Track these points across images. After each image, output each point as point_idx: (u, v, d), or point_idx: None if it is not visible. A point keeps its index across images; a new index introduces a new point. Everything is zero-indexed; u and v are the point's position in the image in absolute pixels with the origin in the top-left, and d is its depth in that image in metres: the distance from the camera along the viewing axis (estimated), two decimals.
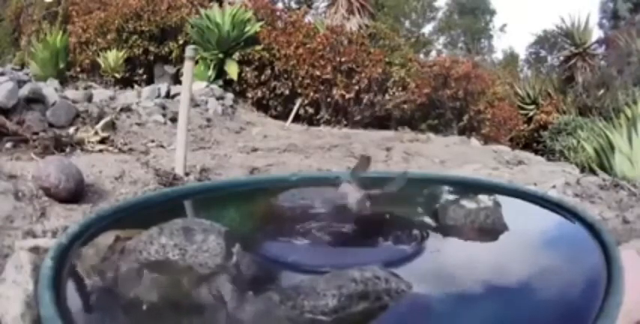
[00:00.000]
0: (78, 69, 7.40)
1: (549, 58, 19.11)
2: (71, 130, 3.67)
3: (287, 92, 7.25)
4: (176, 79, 6.84)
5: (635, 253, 1.66)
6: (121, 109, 4.48)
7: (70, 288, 1.40)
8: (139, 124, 4.30)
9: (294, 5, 16.27)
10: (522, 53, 25.29)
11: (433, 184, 2.29)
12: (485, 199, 1.72)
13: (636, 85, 7.77)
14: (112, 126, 3.98)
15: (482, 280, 1.42)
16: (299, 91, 7.22)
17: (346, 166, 3.67)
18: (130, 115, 4.47)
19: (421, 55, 9.76)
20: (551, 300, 1.54)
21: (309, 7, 14.93)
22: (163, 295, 1.45)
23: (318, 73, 7.20)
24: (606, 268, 1.55)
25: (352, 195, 1.64)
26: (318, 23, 8.66)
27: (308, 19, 9.36)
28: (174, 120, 4.38)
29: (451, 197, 1.92)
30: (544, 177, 3.24)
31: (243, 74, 7.06)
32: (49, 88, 4.62)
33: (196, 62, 5.95)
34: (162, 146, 3.86)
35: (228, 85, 6.85)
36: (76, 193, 2.57)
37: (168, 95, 5.54)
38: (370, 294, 1.31)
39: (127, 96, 5.27)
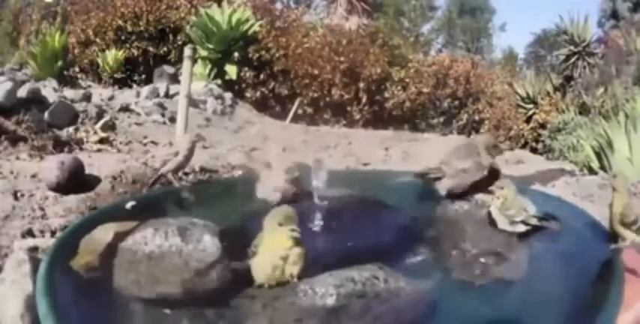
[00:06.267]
0: (77, 69, 7.39)
1: (549, 57, 19.09)
2: (70, 129, 3.66)
3: (286, 92, 7.24)
4: (175, 79, 6.82)
5: (635, 252, 1.66)
6: (120, 109, 4.47)
7: (68, 290, 1.39)
8: (138, 124, 4.28)
9: (292, 5, 16.27)
10: (522, 52, 25.31)
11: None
12: None
13: (635, 85, 7.76)
14: (111, 126, 3.97)
15: None
16: (298, 90, 7.21)
17: (345, 165, 3.67)
18: (129, 114, 4.46)
19: (420, 55, 9.74)
20: (552, 299, 1.53)
21: (308, 6, 14.92)
22: (160, 295, 1.45)
23: (317, 72, 7.19)
24: (607, 267, 1.55)
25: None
26: (317, 23, 8.65)
27: (307, 18, 9.35)
28: (173, 120, 4.37)
29: None
30: (543, 176, 3.24)
31: (242, 74, 7.05)
32: (48, 88, 4.61)
33: (195, 62, 5.94)
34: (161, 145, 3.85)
35: (227, 84, 6.84)
36: (76, 192, 2.57)
37: (167, 95, 5.52)
38: (368, 294, 1.31)
39: (126, 96, 5.26)
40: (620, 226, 1.71)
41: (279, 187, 2.25)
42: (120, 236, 1.59)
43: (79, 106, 4.08)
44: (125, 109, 4.52)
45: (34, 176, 2.70)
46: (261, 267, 1.43)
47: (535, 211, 1.97)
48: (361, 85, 7.44)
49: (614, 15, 15.55)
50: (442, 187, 2.28)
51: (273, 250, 1.42)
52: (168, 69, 6.80)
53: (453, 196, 2.26)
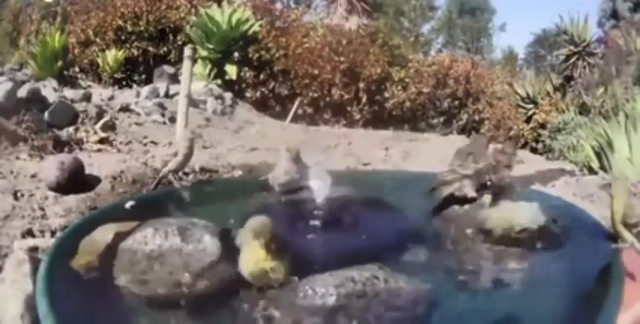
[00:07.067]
0: (77, 69, 7.38)
1: (549, 57, 19.09)
2: (70, 129, 3.66)
3: (286, 92, 7.24)
4: (175, 79, 6.82)
5: (635, 254, 1.66)
6: (120, 109, 4.47)
7: (68, 290, 1.39)
8: (137, 124, 4.28)
9: (292, 5, 16.28)
10: (522, 52, 25.31)
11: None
12: None
13: (635, 85, 7.75)
14: (111, 126, 3.97)
15: None
16: (298, 90, 7.21)
17: (345, 165, 3.67)
18: (129, 114, 4.46)
19: (420, 55, 9.74)
20: (552, 299, 1.53)
21: (308, 6, 14.92)
22: (160, 295, 1.45)
23: (317, 72, 7.19)
24: (607, 266, 1.55)
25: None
26: (317, 23, 8.65)
27: (307, 18, 9.35)
28: (173, 120, 4.37)
29: None
30: (543, 176, 3.23)
31: (242, 74, 7.04)
32: (48, 88, 4.61)
33: (195, 62, 5.95)
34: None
35: (227, 84, 6.84)
36: (76, 192, 2.57)
37: (167, 95, 5.52)
38: (368, 294, 1.31)
39: (126, 96, 5.26)
40: (622, 226, 1.71)
41: (283, 168, 2.47)
42: (120, 236, 1.59)
43: (79, 106, 4.08)
44: (125, 109, 4.52)
45: (34, 176, 2.71)
46: (247, 273, 1.45)
47: (534, 207, 1.95)
48: (361, 85, 7.43)
49: (614, 15, 15.53)
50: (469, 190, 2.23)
51: (252, 262, 1.43)
52: (168, 69, 6.79)
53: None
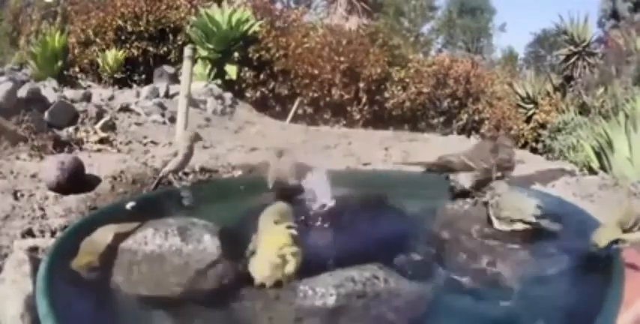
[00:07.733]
0: (77, 69, 7.39)
1: (549, 57, 19.10)
2: (70, 129, 3.66)
3: (286, 92, 7.24)
4: (175, 79, 6.82)
5: (635, 252, 1.66)
6: (120, 109, 4.47)
7: (68, 290, 1.39)
8: (137, 124, 4.28)
9: (292, 5, 16.29)
10: (522, 52, 25.33)
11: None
12: None
13: (635, 85, 7.75)
14: (111, 126, 3.97)
15: None
16: (298, 90, 7.21)
17: (345, 165, 3.67)
18: (129, 114, 4.46)
19: (420, 55, 9.74)
20: (552, 299, 1.53)
21: (308, 6, 14.93)
22: (160, 295, 1.44)
23: (317, 72, 7.19)
24: (606, 267, 1.55)
25: None
26: (317, 23, 8.66)
27: (307, 18, 9.36)
28: (173, 120, 4.37)
29: None
30: (543, 176, 3.23)
31: (242, 74, 7.05)
32: (48, 88, 4.62)
33: (195, 62, 5.95)
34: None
35: (227, 84, 6.84)
36: (76, 192, 2.57)
37: (167, 95, 5.52)
38: (368, 294, 1.31)
39: (126, 96, 5.26)
40: (622, 234, 1.70)
41: (274, 170, 2.45)
42: (120, 237, 1.59)
43: (79, 106, 4.08)
44: (125, 109, 4.52)
45: (34, 176, 2.71)
46: (260, 267, 1.43)
47: (535, 208, 1.95)
48: (361, 85, 7.43)
49: (614, 15, 15.53)
50: (465, 180, 2.24)
51: (271, 249, 1.41)
52: (169, 69, 6.80)
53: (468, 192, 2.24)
